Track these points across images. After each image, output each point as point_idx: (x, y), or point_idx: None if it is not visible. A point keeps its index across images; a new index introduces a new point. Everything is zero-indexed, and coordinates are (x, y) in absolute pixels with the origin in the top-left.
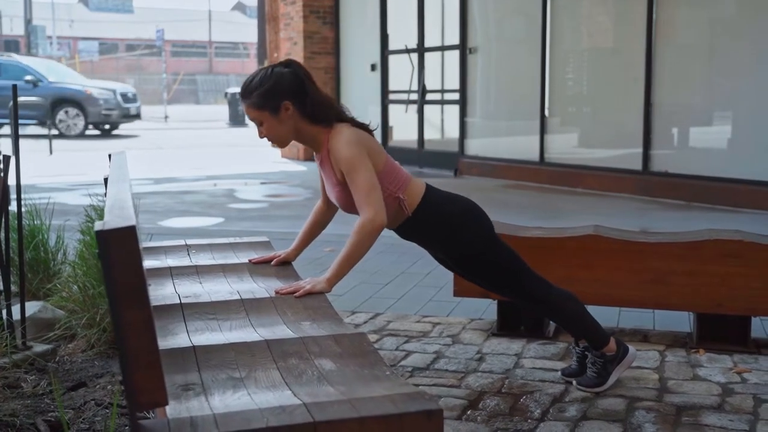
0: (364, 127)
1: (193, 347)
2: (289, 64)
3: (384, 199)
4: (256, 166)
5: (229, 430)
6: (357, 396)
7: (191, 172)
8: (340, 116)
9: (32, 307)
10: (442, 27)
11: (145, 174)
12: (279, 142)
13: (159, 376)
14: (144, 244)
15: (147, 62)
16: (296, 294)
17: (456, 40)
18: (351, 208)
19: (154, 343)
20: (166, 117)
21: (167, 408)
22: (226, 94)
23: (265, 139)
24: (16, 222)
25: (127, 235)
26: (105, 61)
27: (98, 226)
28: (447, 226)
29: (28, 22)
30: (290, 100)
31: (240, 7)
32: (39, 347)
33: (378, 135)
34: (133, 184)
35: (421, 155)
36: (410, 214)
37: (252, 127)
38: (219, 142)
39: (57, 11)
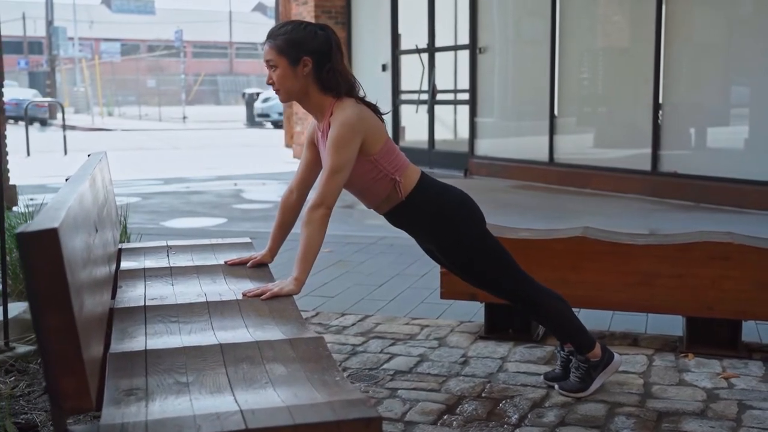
0: (372, 107)
1: (145, 351)
2: (325, 28)
3: (379, 180)
4: (268, 166)
5: None
6: (298, 402)
7: (201, 173)
8: (352, 92)
9: (17, 307)
10: (455, 27)
11: (156, 174)
12: (284, 94)
13: (83, 381)
14: (124, 245)
15: (167, 63)
16: (263, 297)
17: (466, 40)
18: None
19: (78, 348)
20: (184, 117)
21: (103, 413)
22: (243, 94)
23: (271, 87)
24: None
25: (48, 238)
26: (126, 62)
27: (21, 228)
28: (439, 215)
29: (49, 23)
30: (312, 57)
31: (260, 8)
32: (21, 348)
33: (389, 135)
34: (142, 184)
35: (431, 155)
36: (403, 198)
37: (266, 130)
38: (233, 142)
39: (78, 13)
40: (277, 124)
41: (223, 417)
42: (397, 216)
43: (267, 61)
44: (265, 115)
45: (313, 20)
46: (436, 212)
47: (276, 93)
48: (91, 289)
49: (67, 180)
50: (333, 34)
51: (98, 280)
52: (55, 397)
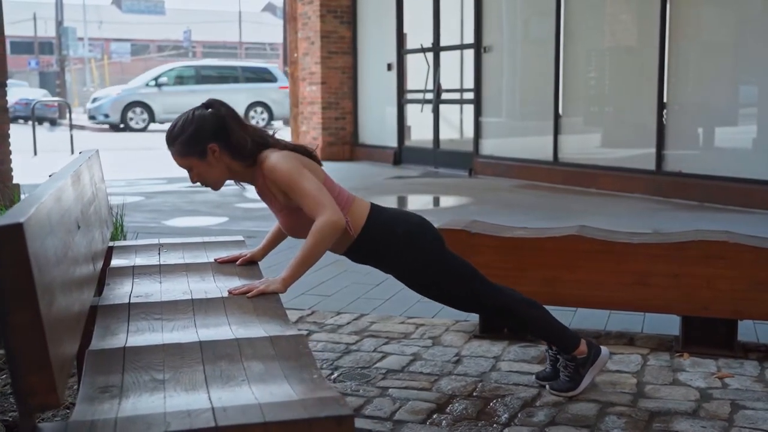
0: (299, 149)
1: (123, 348)
2: (210, 104)
3: None
4: None
5: None
6: (272, 400)
7: None
8: (269, 146)
9: None
10: (461, 26)
11: (160, 173)
12: (213, 184)
13: (50, 377)
14: (117, 243)
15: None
16: (249, 294)
17: (471, 40)
18: (298, 231)
19: (44, 345)
20: None
21: (75, 410)
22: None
23: (198, 183)
24: None
25: (13, 233)
26: (135, 62)
27: None
28: (394, 246)
29: (59, 24)
30: (215, 141)
31: (270, 8)
32: None
33: (394, 135)
34: (146, 183)
35: (436, 155)
36: (356, 236)
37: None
38: None
39: (88, 13)
40: (116, 127)
41: (194, 414)
42: (355, 254)
43: (181, 167)
44: (92, 117)
45: (318, 20)
46: (391, 243)
47: (207, 187)
48: (66, 286)
49: (50, 177)
50: (221, 106)
51: (76, 277)
52: (21, 394)
